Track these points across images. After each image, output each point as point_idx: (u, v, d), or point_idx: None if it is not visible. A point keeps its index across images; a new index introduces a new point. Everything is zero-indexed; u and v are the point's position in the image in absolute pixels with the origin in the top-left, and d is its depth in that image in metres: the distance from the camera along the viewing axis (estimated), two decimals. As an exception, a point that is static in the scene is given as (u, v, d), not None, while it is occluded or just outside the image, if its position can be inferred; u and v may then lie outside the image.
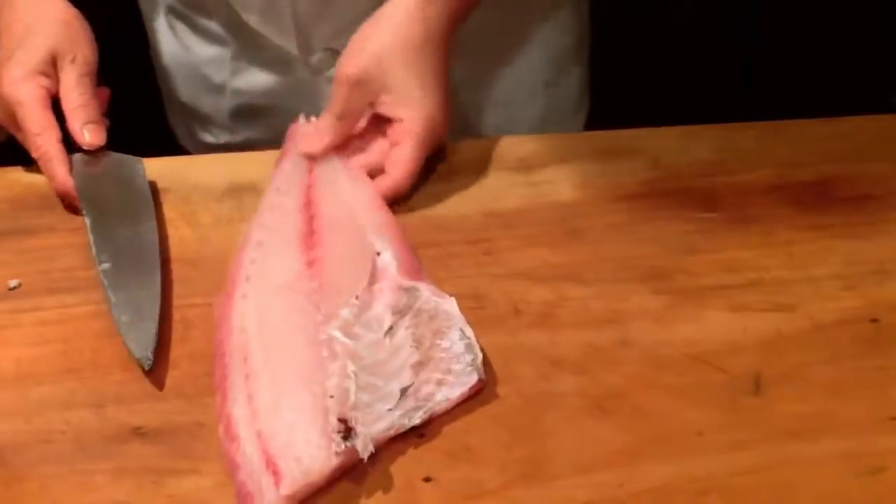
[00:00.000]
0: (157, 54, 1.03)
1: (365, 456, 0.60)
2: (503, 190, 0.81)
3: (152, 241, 0.75)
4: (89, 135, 0.81)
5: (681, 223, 0.79)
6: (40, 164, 0.79)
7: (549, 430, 0.64)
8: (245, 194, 0.82)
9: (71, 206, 0.79)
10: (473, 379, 0.65)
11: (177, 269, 0.74)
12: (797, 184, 0.83)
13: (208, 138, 1.03)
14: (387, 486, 0.61)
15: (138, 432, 0.63)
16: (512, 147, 0.85)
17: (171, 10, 0.98)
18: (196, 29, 0.97)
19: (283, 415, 0.63)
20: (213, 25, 0.95)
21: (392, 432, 0.62)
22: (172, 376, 0.67)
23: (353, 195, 0.79)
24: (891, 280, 0.75)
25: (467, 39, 0.87)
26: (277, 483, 0.59)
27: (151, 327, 0.68)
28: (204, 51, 0.97)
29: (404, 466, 0.62)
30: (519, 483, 0.61)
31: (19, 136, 0.81)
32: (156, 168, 0.83)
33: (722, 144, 0.86)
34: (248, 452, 0.61)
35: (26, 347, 0.69)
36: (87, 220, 0.76)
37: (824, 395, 0.67)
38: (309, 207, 0.78)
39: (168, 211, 0.79)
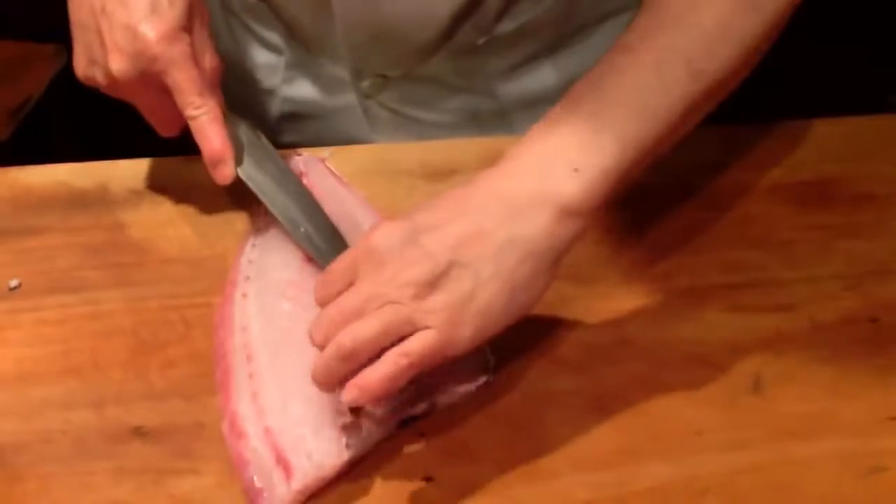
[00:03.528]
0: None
1: (372, 436, 0.61)
2: (503, 190, 0.81)
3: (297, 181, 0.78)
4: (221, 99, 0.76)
5: (681, 223, 0.79)
6: (197, 126, 0.73)
7: (549, 429, 0.64)
8: (246, 193, 0.82)
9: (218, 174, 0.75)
10: (481, 379, 0.66)
11: (177, 269, 0.74)
12: (797, 184, 0.83)
13: None
14: (387, 485, 0.61)
15: (138, 432, 0.63)
16: (511, 147, 0.85)
17: (229, 11, 0.96)
18: (252, 34, 0.95)
19: (290, 411, 0.63)
20: (269, 35, 0.94)
21: (396, 418, 0.62)
22: (172, 376, 0.67)
23: (348, 194, 0.79)
24: (891, 280, 0.75)
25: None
26: (288, 478, 0.59)
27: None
28: (258, 55, 0.95)
29: (404, 465, 0.62)
30: (519, 482, 0.61)
31: (149, 101, 0.75)
32: (155, 167, 0.83)
33: (722, 144, 0.86)
34: (257, 449, 0.61)
35: (26, 347, 0.69)
36: (256, 187, 0.76)
37: (824, 395, 0.67)
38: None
39: (168, 210, 0.79)
